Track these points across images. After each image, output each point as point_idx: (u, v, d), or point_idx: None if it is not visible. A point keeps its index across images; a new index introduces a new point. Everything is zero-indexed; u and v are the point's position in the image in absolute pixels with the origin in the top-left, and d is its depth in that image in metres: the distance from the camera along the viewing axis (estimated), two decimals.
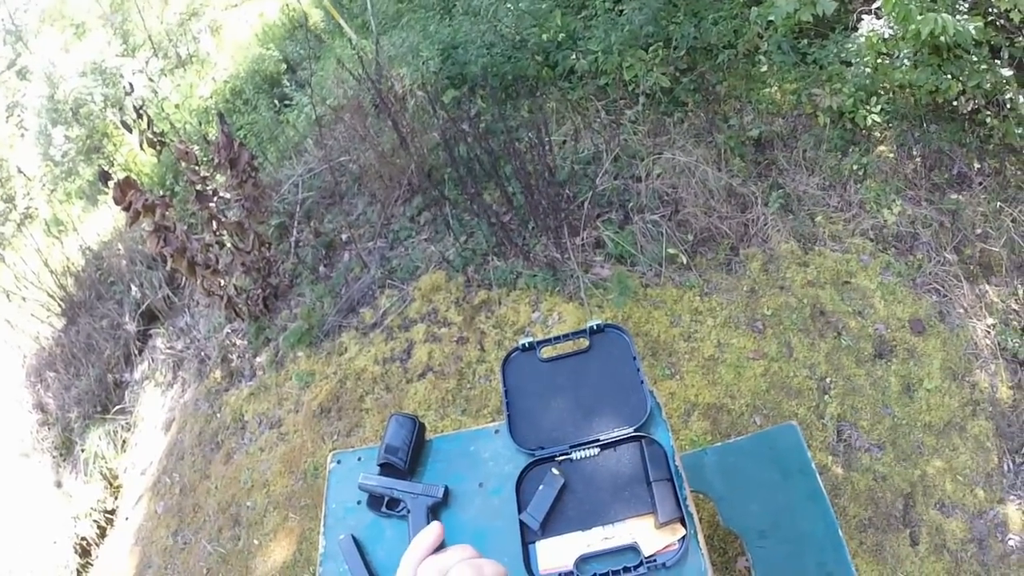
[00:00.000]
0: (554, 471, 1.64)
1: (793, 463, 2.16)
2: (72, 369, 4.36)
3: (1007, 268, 3.14)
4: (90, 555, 3.64)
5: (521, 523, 1.58)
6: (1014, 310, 3.04)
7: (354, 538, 1.68)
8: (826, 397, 2.83)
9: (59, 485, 4.02)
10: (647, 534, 1.53)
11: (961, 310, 3.03)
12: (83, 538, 3.64)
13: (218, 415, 3.63)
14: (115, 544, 3.57)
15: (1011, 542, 2.47)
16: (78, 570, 3.56)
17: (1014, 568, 2.41)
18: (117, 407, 4.09)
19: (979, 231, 3.24)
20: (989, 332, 2.97)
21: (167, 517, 3.40)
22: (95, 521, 3.69)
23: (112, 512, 3.76)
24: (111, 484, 3.87)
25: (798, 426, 2.24)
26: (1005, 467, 2.65)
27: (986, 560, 2.43)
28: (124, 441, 4.01)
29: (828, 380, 2.87)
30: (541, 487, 1.62)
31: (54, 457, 4.17)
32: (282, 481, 3.18)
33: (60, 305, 4.72)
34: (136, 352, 4.33)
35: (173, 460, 3.62)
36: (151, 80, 6.34)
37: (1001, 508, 2.54)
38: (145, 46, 6.98)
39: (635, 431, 1.66)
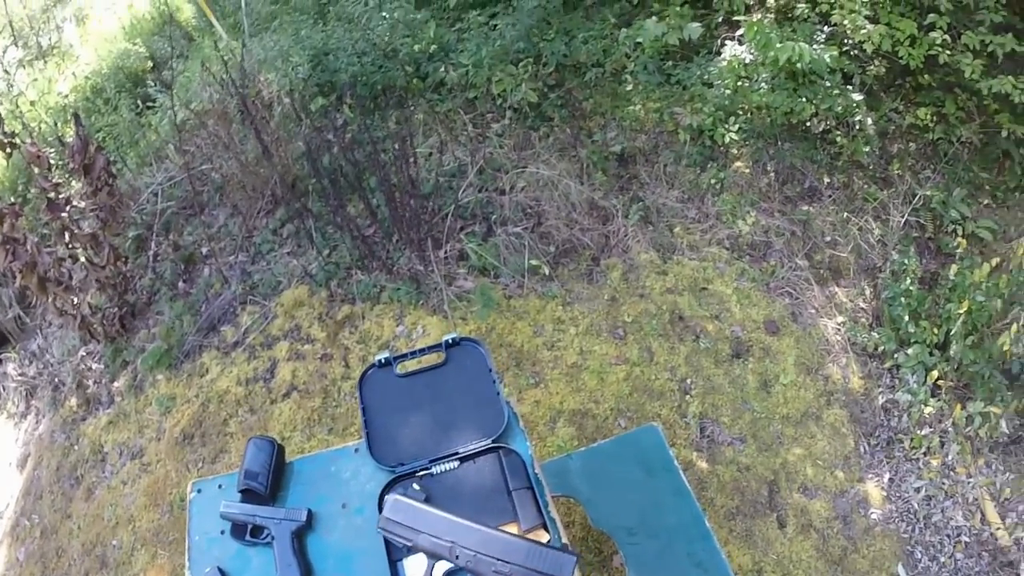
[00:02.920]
0: (415, 486, 1.64)
1: (656, 462, 2.25)
2: None
3: (854, 271, 3.43)
4: None
5: (386, 541, 1.58)
6: (862, 308, 3.33)
7: (220, 570, 1.63)
8: (687, 397, 2.97)
9: None
10: None
11: (812, 310, 3.28)
12: None
13: (76, 447, 3.37)
14: None
15: (873, 515, 2.71)
16: None
17: (879, 538, 2.65)
18: None
19: (828, 239, 3.51)
20: (839, 329, 3.23)
21: (30, 565, 3.13)
22: None
23: None
24: None
25: (659, 426, 2.35)
26: (861, 449, 2.89)
27: (852, 534, 2.65)
28: None
29: (689, 381, 3.02)
30: None
31: None
32: (148, 515, 2.99)
33: None
34: None
35: (31, 500, 3.34)
36: (7, 72, 5.81)
37: (861, 486, 2.78)
38: (4, 32, 6.38)
39: (492, 442, 1.69)
